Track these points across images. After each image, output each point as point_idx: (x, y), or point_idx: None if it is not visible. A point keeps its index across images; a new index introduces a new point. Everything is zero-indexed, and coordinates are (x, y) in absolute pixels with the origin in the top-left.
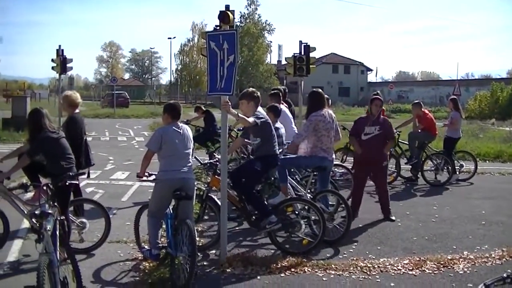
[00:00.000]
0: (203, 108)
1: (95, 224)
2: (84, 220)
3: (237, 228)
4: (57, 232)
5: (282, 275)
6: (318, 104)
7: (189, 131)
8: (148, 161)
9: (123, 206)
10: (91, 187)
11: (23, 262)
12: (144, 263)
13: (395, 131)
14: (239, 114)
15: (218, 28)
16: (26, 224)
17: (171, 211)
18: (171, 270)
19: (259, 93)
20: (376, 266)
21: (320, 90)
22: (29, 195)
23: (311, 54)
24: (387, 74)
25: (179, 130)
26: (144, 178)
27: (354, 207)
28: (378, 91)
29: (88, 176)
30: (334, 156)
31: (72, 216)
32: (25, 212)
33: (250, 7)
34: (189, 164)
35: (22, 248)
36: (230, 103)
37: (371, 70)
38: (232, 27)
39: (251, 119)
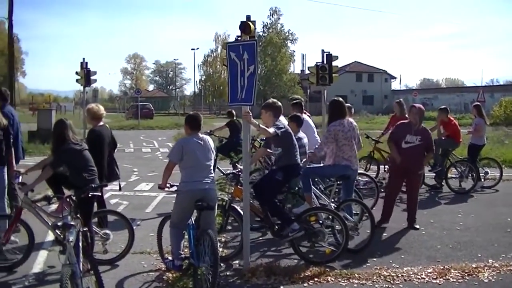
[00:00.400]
0: (234, 112)
1: (119, 235)
2: (107, 231)
3: (260, 238)
4: (80, 244)
5: (305, 284)
6: (338, 113)
7: (210, 142)
8: (169, 172)
9: (147, 217)
10: (116, 198)
11: (48, 273)
12: (167, 273)
13: None
14: (260, 125)
15: (239, 38)
16: (51, 236)
17: (193, 222)
18: (193, 280)
19: (280, 103)
20: (399, 275)
21: (340, 99)
22: (53, 207)
23: (334, 63)
24: (411, 81)
25: (200, 141)
26: (166, 189)
27: (385, 216)
28: (401, 99)
29: (120, 189)
30: (358, 165)
31: (96, 227)
32: (49, 224)
33: (272, 17)
34: (211, 175)
35: (47, 260)
36: (251, 113)
37: (395, 78)
38: (253, 37)
39: (271, 130)
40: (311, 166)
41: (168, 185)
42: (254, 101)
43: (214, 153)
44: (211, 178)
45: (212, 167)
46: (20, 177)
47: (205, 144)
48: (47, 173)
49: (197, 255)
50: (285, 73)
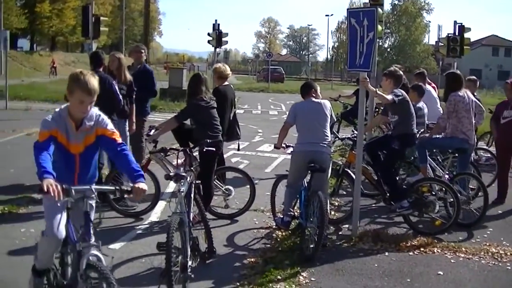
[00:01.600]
0: None
1: (239, 192)
2: (230, 187)
3: (373, 205)
4: (192, 195)
5: (411, 253)
6: (454, 85)
7: (326, 107)
8: (284, 132)
9: (266, 177)
10: (237, 157)
11: (163, 222)
12: (277, 232)
13: None
14: (377, 91)
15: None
16: (170, 188)
17: (305, 183)
18: (300, 239)
19: (401, 72)
20: (508, 253)
21: (457, 71)
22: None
23: (466, 35)
24: None
25: (315, 105)
26: (282, 149)
27: (501, 192)
28: None
29: (238, 149)
30: (475, 139)
31: (219, 183)
32: None
33: None
34: (326, 138)
35: (164, 210)
36: (368, 79)
37: None
38: (381, 5)
39: (389, 96)
40: (428, 136)
41: (284, 145)
42: (372, 68)
43: (330, 117)
44: (325, 141)
45: (327, 131)
46: (153, 130)
47: (319, 108)
48: (170, 124)
49: (306, 216)
50: (419, 43)
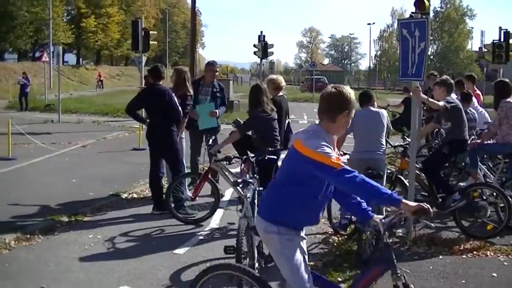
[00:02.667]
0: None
1: None
2: None
3: None
4: (256, 201)
5: (464, 256)
6: (504, 93)
7: (383, 116)
8: (341, 141)
9: None
10: None
11: (223, 228)
12: (333, 237)
13: None
14: (429, 99)
15: (413, 14)
16: (227, 197)
17: None
18: (358, 244)
19: (452, 81)
20: None
21: (506, 80)
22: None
23: None
24: None
25: (373, 114)
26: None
27: None
28: None
29: None
30: None
31: None
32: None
33: None
34: (381, 147)
35: (223, 217)
36: (420, 88)
37: None
38: (427, 14)
39: (441, 103)
40: (479, 142)
41: (341, 152)
42: (423, 77)
43: (386, 126)
44: (381, 149)
45: (383, 140)
46: (211, 140)
47: (378, 117)
48: (235, 136)
49: None
50: (462, 50)
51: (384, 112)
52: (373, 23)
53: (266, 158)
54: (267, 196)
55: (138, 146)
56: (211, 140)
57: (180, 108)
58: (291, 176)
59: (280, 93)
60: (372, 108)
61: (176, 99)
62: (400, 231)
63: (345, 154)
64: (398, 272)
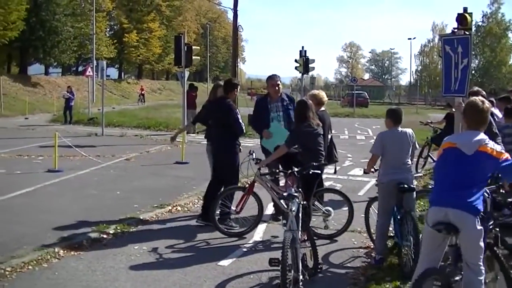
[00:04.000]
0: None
1: (337, 213)
2: (330, 208)
3: None
4: (300, 215)
5: None
6: None
7: (411, 136)
8: (373, 163)
9: (359, 200)
10: (330, 181)
11: (266, 241)
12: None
13: None
14: None
15: (455, 31)
16: (269, 211)
17: (396, 204)
18: (399, 258)
19: (492, 99)
20: None
21: None
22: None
23: None
24: None
25: (398, 134)
26: (371, 173)
27: None
28: None
29: (335, 172)
30: None
31: (319, 204)
32: (277, 196)
33: (493, 6)
34: (408, 165)
35: (266, 230)
36: (463, 104)
37: None
38: (469, 29)
39: None
40: None
41: (372, 170)
42: (466, 93)
43: (413, 145)
44: (407, 169)
45: (409, 159)
46: (254, 154)
47: (405, 138)
48: (282, 151)
49: (401, 235)
50: (505, 64)
51: (410, 132)
52: (414, 38)
53: (311, 172)
54: None
55: (181, 159)
56: (254, 154)
57: (242, 123)
58: None
59: (322, 108)
60: (399, 129)
61: (239, 115)
62: None
63: (376, 170)
64: None
